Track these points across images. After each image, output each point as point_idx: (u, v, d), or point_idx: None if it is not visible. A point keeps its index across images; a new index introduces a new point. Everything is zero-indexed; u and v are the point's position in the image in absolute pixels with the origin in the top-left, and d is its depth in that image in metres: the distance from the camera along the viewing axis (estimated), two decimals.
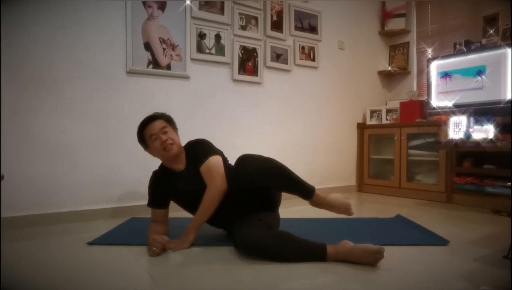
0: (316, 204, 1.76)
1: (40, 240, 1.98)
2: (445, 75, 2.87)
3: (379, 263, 1.48)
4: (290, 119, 3.40)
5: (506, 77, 2.52)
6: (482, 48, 2.89)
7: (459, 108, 2.77)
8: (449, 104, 2.84)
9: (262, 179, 1.67)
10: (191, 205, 1.82)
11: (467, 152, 2.97)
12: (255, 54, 3.17)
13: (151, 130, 1.83)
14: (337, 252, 1.52)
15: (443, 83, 2.90)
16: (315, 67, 3.55)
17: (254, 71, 3.16)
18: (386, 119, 3.73)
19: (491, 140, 2.54)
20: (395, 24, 4.00)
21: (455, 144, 2.73)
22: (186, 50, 2.81)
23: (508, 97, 2.49)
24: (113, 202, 2.54)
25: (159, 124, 1.85)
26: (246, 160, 1.69)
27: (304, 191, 1.73)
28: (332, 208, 1.77)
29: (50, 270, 1.50)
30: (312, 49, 3.52)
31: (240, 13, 3.07)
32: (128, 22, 2.57)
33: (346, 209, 1.77)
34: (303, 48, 3.46)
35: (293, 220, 2.35)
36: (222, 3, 2.96)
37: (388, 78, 4.15)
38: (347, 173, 3.81)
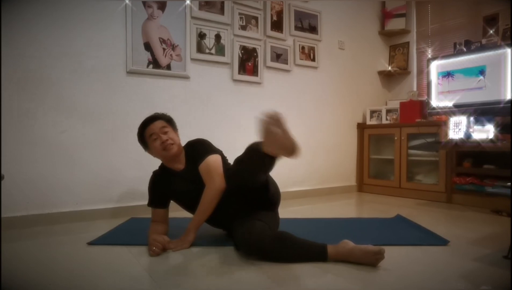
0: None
1: (40, 240, 1.98)
2: (447, 74, 2.87)
3: (379, 263, 1.48)
4: (290, 119, 3.37)
5: (506, 77, 2.52)
6: (482, 48, 2.89)
7: (459, 108, 2.77)
8: (449, 104, 2.84)
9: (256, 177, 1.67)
10: (191, 205, 1.82)
11: (467, 152, 2.97)
12: (255, 54, 3.17)
13: (151, 130, 1.84)
14: (337, 253, 1.52)
15: (444, 82, 2.90)
16: (315, 67, 3.55)
17: (254, 71, 3.16)
18: (386, 119, 3.73)
19: (491, 140, 2.54)
20: (395, 24, 4.00)
21: (455, 144, 2.73)
22: (186, 50, 2.81)
23: (508, 97, 2.49)
24: (113, 202, 2.54)
25: (159, 124, 1.85)
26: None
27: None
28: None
29: (50, 270, 1.50)
30: (312, 49, 3.52)
31: (240, 13, 3.07)
32: (128, 22, 2.57)
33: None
34: (303, 48, 3.46)
35: (293, 220, 2.35)
36: (222, 3, 2.97)
37: (388, 78, 4.15)
38: (347, 173, 3.81)
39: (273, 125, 1.50)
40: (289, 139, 1.49)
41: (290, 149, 1.49)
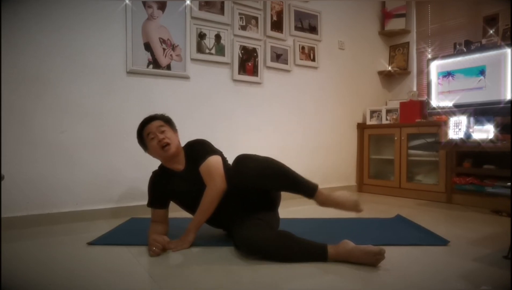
0: (321, 202, 1.67)
1: (40, 240, 1.98)
2: (448, 74, 2.87)
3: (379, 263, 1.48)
4: (290, 119, 3.40)
5: (506, 77, 2.52)
6: (482, 48, 2.89)
7: (459, 108, 2.77)
8: (449, 104, 2.84)
9: (260, 181, 1.65)
10: (191, 205, 1.82)
11: (467, 152, 2.97)
12: (255, 54, 3.17)
13: (149, 129, 1.84)
14: (337, 253, 1.52)
15: (445, 82, 2.90)
16: (315, 67, 3.55)
17: (254, 71, 3.16)
18: (386, 119, 3.73)
19: (491, 140, 2.54)
20: (395, 24, 4.00)
21: (455, 144, 2.73)
22: (186, 50, 2.81)
23: (508, 97, 2.49)
24: (113, 202, 2.54)
25: (156, 123, 1.85)
26: (243, 162, 1.66)
27: (306, 190, 1.66)
28: (339, 205, 1.65)
29: (50, 270, 1.50)
30: (312, 49, 3.52)
31: (240, 13, 3.08)
32: (128, 22, 2.57)
33: (354, 205, 1.65)
34: (303, 48, 3.46)
35: (293, 220, 2.35)
36: (222, 3, 2.97)
37: (388, 78, 4.15)
38: (347, 173, 3.81)
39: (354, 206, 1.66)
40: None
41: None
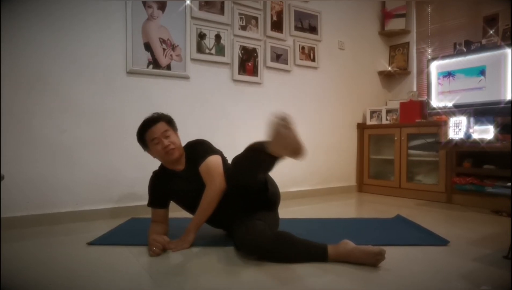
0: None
1: (40, 240, 1.98)
2: (448, 74, 2.87)
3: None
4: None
5: (506, 77, 2.52)
6: (482, 48, 2.89)
7: (459, 108, 2.77)
8: (449, 104, 2.84)
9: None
10: (191, 205, 1.83)
11: (467, 152, 2.97)
12: (255, 54, 3.17)
13: (153, 133, 1.82)
14: (337, 253, 1.52)
15: (445, 82, 2.90)
16: (315, 67, 3.55)
17: (254, 71, 3.16)
18: (386, 119, 3.73)
19: (491, 140, 2.54)
20: (395, 24, 4.00)
21: (455, 144, 2.73)
22: (186, 50, 2.81)
23: (508, 97, 2.49)
24: (113, 202, 2.54)
25: (160, 127, 1.84)
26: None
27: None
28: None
29: (50, 270, 1.50)
30: (312, 49, 3.52)
31: (240, 13, 3.08)
32: (128, 23, 2.57)
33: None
34: (303, 48, 3.46)
35: (293, 220, 2.35)
36: (222, 3, 2.97)
37: (388, 78, 4.15)
38: (347, 173, 3.81)
39: (282, 126, 1.53)
40: (296, 140, 1.50)
41: (296, 150, 1.50)
